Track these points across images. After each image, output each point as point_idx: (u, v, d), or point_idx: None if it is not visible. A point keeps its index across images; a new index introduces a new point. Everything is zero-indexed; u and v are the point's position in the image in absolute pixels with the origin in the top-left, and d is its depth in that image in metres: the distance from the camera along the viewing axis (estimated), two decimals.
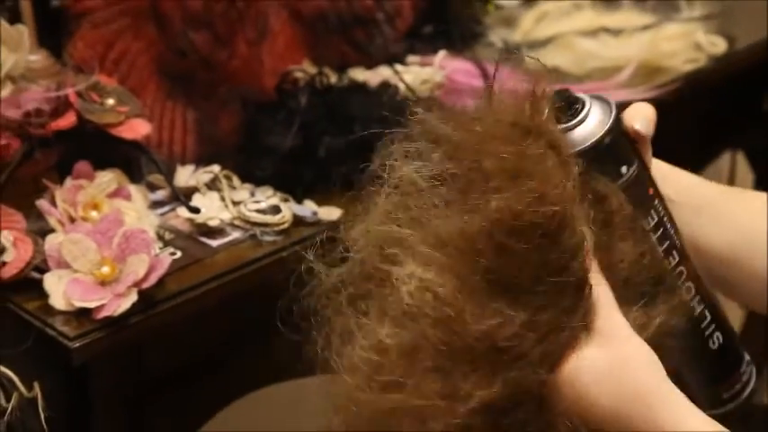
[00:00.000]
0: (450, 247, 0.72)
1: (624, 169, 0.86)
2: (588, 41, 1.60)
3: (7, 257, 1.09)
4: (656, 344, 0.75)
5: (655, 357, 0.73)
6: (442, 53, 1.52)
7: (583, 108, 0.86)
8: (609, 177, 0.85)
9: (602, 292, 0.75)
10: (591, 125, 0.85)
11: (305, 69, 1.40)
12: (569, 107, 0.86)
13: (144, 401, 1.14)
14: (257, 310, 1.18)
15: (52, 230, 1.13)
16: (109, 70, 1.27)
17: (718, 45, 1.62)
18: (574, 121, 0.85)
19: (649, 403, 0.71)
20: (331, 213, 1.23)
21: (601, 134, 0.84)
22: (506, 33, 1.67)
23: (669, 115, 1.51)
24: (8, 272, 1.09)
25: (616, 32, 1.62)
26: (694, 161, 1.77)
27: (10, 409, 0.96)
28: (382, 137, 1.25)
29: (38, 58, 1.26)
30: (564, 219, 0.73)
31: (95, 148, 1.19)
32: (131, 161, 1.23)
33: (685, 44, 1.60)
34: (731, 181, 1.86)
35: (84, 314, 1.06)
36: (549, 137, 0.77)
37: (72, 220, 1.14)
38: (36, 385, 0.99)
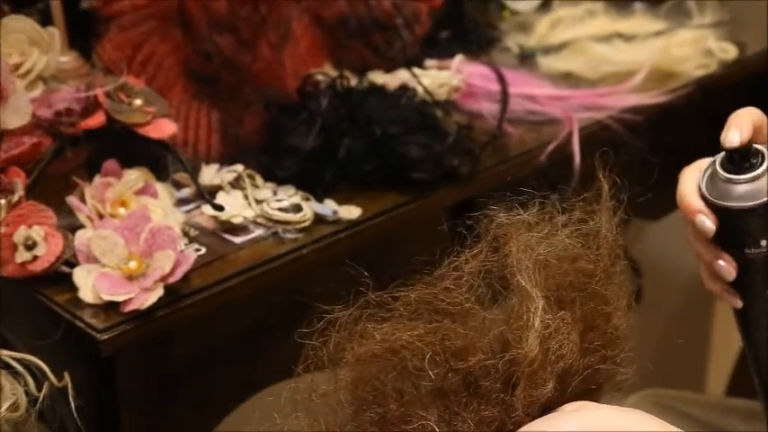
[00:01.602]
0: None
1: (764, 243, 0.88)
2: (602, 46, 1.61)
3: (39, 252, 1.10)
4: None
5: None
6: (458, 57, 1.52)
7: (762, 163, 0.86)
8: (746, 243, 0.87)
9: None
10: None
11: (326, 72, 1.41)
12: (746, 159, 0.86)
13: (169, 392, 1.15)
14: (279, 304, 1.20)
15: (82, 226, 1.14)
16: (136, 72, 1.27)
17: (729, 51, 1.63)
18: (748, 175, 0.86)
19: None
20: (351, 212, 1.24)
21: None
22: (522, 38, 1.67)
23: (680, 119, 1.53)
24: (39, 266, 1.10)
25: (629, 38, 1.63)
26: None
27: (41, 397, 0.95)
28: (400, 138, 1.27)
29: (68, 60, 1.30)
30: None
31: (123, 146, 1.20)
32: (158, 160, 1.24)
33: (697, 50, 1.61)
34: None
35: (112, 307, 1.07)
36: None
37: (101, 216, 1.15)
38: (66, 375, 0.99)
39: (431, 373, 0.73)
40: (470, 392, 0.74)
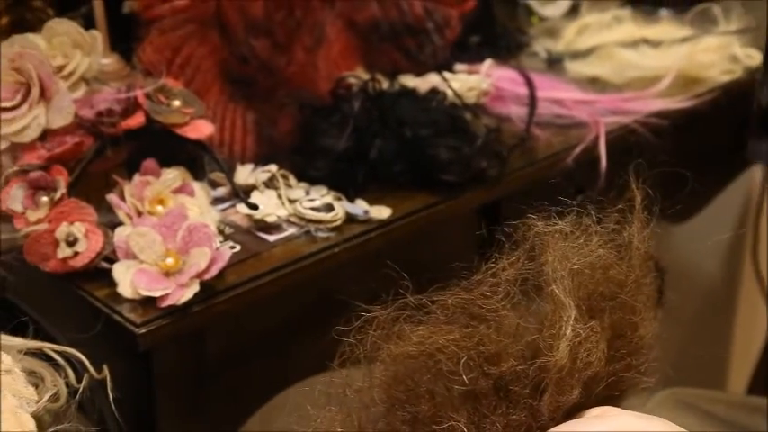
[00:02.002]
0: None
1: None
2: (628, 52, 1.62)
3: (79, 248, 1.11)
4: None
5: None
6: (488, 62, 1.54)
7: None
8: None
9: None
10: None
11: (358, 75, 1.41)
12: None
13: (204, 385, 1.16)
14: (311, 301, 1.22)
15: (121, 223, 1.15)
16: (175, 74, 1.28)
17: (754, 57, 1.64)
18: None
19: None
20: (381, 212, 1.25)
21: None
22: (550, 44, 1.69)
23: (705, 124, 1.54)
24: (80, 261, 1.11)
25: (655, 44, 1.63)
26: (728, 169, 1.79)
27: (81, 389, 0.96)
28: (430, 140, 1.28)
29: (110, 62, 1.31)
30: None
31: (162, 146, 1.20)
32: (195, 159, 1.25)
33: (722, 56, 1.62)
34: (763, 189, 1.88)
35: (149, 302, 1.08)
36: None
37: (139, 213, 1.16)
38: (105, 368, 1.00)
39: (464, 377, 0.74)
40: (500, 396, 0.75)
